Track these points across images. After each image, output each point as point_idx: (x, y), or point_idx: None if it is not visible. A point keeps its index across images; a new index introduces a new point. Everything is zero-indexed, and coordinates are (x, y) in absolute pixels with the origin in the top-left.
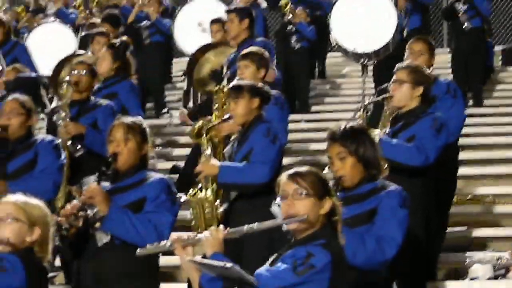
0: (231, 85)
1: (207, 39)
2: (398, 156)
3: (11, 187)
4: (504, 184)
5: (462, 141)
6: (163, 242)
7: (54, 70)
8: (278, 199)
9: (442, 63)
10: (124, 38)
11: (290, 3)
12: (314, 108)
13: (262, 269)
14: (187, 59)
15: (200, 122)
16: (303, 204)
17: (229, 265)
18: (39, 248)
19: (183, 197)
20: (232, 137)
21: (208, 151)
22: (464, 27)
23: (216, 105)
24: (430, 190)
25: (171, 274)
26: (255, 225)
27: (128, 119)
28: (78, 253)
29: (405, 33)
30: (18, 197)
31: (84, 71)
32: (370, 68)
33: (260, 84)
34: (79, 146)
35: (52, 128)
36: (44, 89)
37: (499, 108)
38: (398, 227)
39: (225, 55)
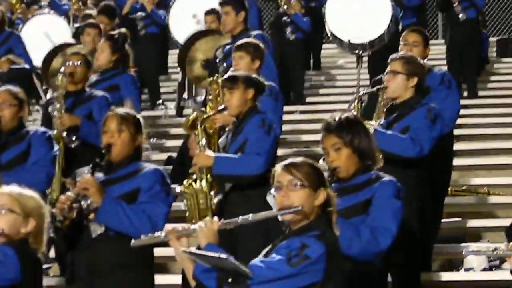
0: (226, 76)
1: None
2: (393, 147)
3: (3, 179)
4: (498, 175)
5: (456, 132)
6: (157, 233)
7: (44, 61)
8: (272, 190)
9: (437, 54)
10: (123, 30)
11: None
12: (309, 99)
13: (257, 260)
14: None
15: (194, 114)
16: (297, 195)
17: (223, 256)
18: (34, 240)
19: (177, 188)
20: (227, 128)
21: (203, 142)
22: (459, 18)
23: (210, 96)
24: (425, 181)
25: (164, 266)
26: (250, 216)
27: (122, 110)
28: (72, 244)
29: (400, 27)
30: (13, 188)
31: (79, 62)
32: (365, 59)
33: (254, 75)
34: (74, 138)
35: (47, 120)
36: (38, 81)
37: (494, 99)
38: (392, 218)
39: (215, 43)
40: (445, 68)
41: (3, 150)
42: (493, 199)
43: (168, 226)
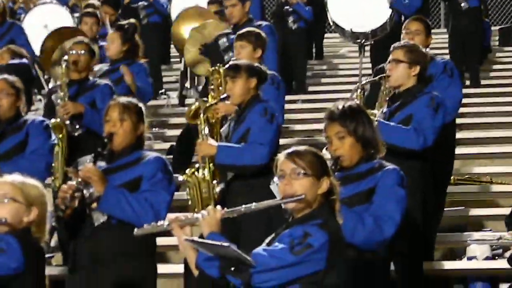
0: (228, 65)
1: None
2: (396, 139)
3: (2, 168)
4: (501, 164)
5: (459, 120)
6: (160, 222)
7: (42, 45)
8: (276, 178)
9: (440, 43)
10: (132, 20)
11: None
12: (311, 88)
13: (259, 249)
14: None
15: (196, 103)
16: (300, 184)
17: (226, 244)
18: (36, 229)
19: (180, 177)
20: (229, 117)
21: (205, 131)
22: (461, 7)
23: (212, 85)
24: (427, 172)
25: (164, 255)
26: (253, 205)
27: (124, 99)
28: (74, 233)
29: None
30: (15, 177)
31: (83, 51)
32: (367, 48)
33: (257, 64)
34: (77, 126)
35: (49, 109)
36: (40, 70)
37: (496, 88)
38: (396, 206)
39: (211, 27)
40: (447, 57)
41: (1, 140)
42: (496, 188)
43: (171, 216)
